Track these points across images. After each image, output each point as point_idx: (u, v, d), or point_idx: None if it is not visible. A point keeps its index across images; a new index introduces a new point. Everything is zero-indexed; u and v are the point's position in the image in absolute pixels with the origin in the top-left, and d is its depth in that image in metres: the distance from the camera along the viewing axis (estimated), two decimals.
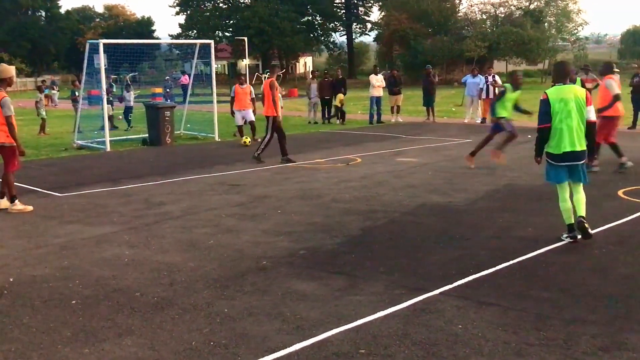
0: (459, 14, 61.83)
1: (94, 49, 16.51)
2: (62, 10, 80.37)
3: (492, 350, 4.39)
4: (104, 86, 16.72)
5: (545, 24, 58.26)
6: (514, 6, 59.53)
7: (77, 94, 20.90)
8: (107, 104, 21.95)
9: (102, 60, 15.97)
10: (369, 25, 71.35)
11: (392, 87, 22.55)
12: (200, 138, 18.79)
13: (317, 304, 5.30)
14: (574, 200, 6.93)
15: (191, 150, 16.27)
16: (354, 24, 71.14)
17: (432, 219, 8.30)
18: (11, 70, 9.37)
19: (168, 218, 8.57)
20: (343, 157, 13.91)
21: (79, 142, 17.03)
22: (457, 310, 5.10)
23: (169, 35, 68.87)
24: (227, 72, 61.32)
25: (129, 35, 66.24)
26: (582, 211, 6.88)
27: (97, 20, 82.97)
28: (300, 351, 4.41)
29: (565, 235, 7.01)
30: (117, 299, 5.52)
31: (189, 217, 8.61)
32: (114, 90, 24.40)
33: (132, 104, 22.11)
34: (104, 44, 16.19)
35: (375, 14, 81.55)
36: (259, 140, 14.67)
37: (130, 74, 38.26)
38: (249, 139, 16.08)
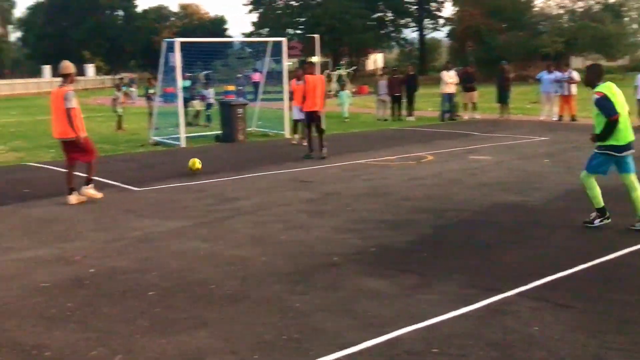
0: (535, 9, 60.18)
1: (170, 48, 16.93)
2: (139, 10, 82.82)
3: (569, 353, 4.27)
4: (180, 84, 17.11)
5: (626, 19, 55.99)
6: (593, 0, 57.47)
7: (152, 91, 21.50)
8: (191, 100, 22.57)
9: (177, 58, 16.36)
10: (441, 21, 70.39)
11: (467, 83, 22.18)
12: (271, 135, 19.00)
13: (388, 301, 5.27)
14: (633, 198, 7.26)
15: (262, 147, 16.47)
16: (426, 19, 70.33)
17: (506, 218, 8.13)
18: (72, 67, 9.70)
19: (240, 213, 8.70)
20: (414, 154, 13.77)
21: (155, 138, 17.51)
22: (533, 312, 4.98)
23: (242, 34, 69.93)
24: None
25: (203, 34, 67.41)
26: None
27: (172, 19, 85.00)
28: (372, 348, 4.40)
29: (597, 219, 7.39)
30: (193, 291, 5.65)
31: (260, 212, 8.73)
32: (198, 87, 24.92)
33: (212, 100, 22.58)
34: (180, 43, 16.57)
35: (448, 10, 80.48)
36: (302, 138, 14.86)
37: (204, 72, 39.10)
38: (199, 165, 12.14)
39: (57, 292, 5.67)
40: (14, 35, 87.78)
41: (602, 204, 7.37)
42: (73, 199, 9.45)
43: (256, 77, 34.61)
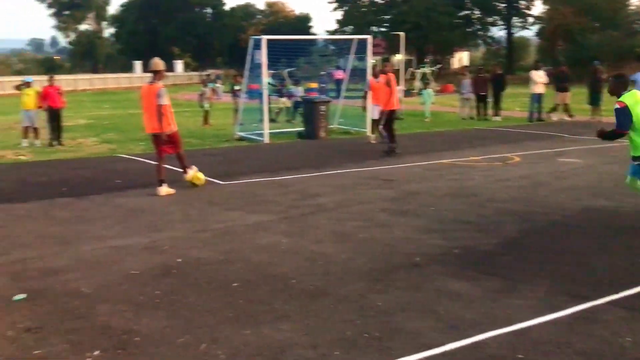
0: (631, 7, 57.60)
1: (257, 45, 17.20)
2: (227, 8, 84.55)
3: None
4: (265, 81, 17.36)
5: None
6: None
7: (237, 87, 21.92)
8: (280, 97, 22.91)
9: (264, 55, 16.61)
10: (530, 20, 68.39)
11: (560, 83, 21.41)
12: (352, 132, 19.00)
13: (472, 304, 5.18)
14: None
15: (344, 145, 16.50)
16: (514, 17, 68.50)
17: (597, 223, 7.82)
18: (162, 64, 10.02)
19: (322, 210, 8.75)
20: (500, 155, 13.46)
21: (240, 133, 17.86)
22: (625, 322, 4.77)
23: (326, 31, 70.22)
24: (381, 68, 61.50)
25: (288, 31, 68.09)
26: None
27: (259, 17, 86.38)
28: (455, 351, 4.34)
29: None
30: (275, 284, 5.73)
31: (342, 209, 8.75)
32: (287, 84, 25.21)
33: (299, 99, 22.81)
34: (266, 40, 16.80)
35: (538, 8, 78.13)
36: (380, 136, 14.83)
37: (287, 70, 39.53)
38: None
39: (146, 280, 5.88)
40: (108, 31, 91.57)
41: None
42: (162, 190, 9.77)
43: (339, 74, 34.70)
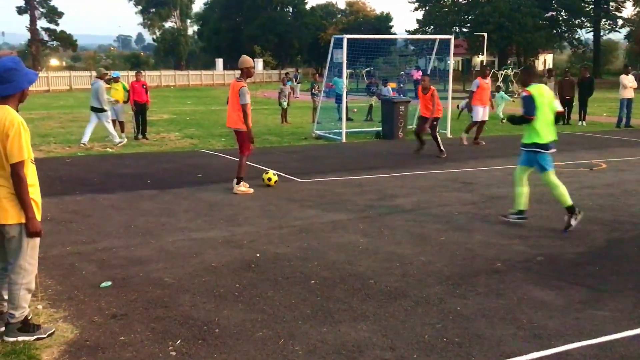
0: None
1: (338, 44, 17.24)
2: (308, 7, 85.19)
3: None
4: (345, 81, 17.38)
5: None
6: None
7: (316, 86, 22.05)
8: (370, 96, 22.95)
9: (344, 54, 16.64)
10: (619, 22, 65.78)
11: None
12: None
13: (556, 313, 5.01)
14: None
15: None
16: (603, 20, 66.03)
17: None
18: (250, 61, 9.94)
19: (400, 210, 8.68)
20: (585, 161, 12.99)
21: (318, 132, 17.95)
22: None
23: (406, 31, 69.68)
24: (460, 69, 60.54)
25: (367, 30, 68.26)
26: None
27: (339, 16, 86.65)
28: None
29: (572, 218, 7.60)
30: (352, 283, 5.72)
31: (420, 211, 8.65)
32: (377, 84, 25.20)
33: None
34: (347, 39, 16.82)
35: (628, 10, 75.06)
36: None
37: (366, 69, 39.42)
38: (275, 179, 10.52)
39: (226, 273, 5.98)
40: (191, 29, 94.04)
41: (570, 202, 7.67)
42: (238, 189, 9.85)
43: (418, 75, 34.39)
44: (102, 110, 15.46)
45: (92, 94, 15.52)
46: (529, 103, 7.65)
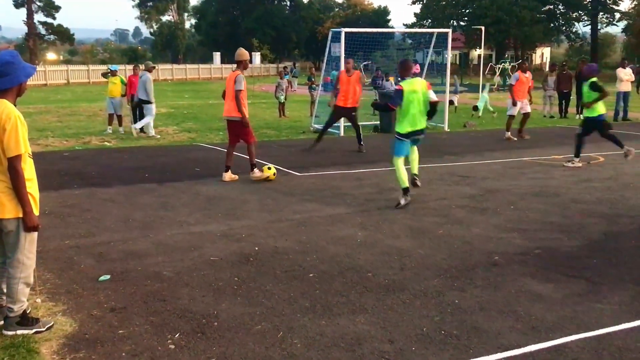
0: None
1: (336, 37, 17.21)
2: (305, 0, 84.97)
3: None
4: (335, 73, 17.33)
5: None
6: None
7: (314, 80, 22.03)
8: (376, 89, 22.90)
9: (342, 48, 16.61)
10: (617, 15, 65.72)
11: None
12: (429, 127, 18.71)
13: (553, 306, 5.02)
14: (410, 160, 8.86)
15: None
16: (600, 13, 65.95)
17: None
18: (247, 54, 10.29)
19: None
20: (583, 154, 12.98)
21: (316, 126, 17.93)
22: None
23: (404, 25, 69.56)
24: (458, 63, 60.41)
25: (365, 24, 68.06)
26: (415, 169, 8.98)
27: (336, 9, 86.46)
28: (535, 353, 4.22)
29: (402, 199, 8.55)
30: (351, 276, 5.73)
31: (418, 205, 8.65)
32: (382, 77, 25.14)
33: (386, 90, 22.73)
34: (345, 33, 16.79)
35: (626, 3, 75.04)
36: None
37: (364, 63, 39.33)
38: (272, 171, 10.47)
39: (225, 266, 5.99)
40: (189, 22, 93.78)
41: (406, 184, 8.60)
42: (227, 176, 10.18)
43: (416, 68, 34.37)
44: (149, 102, 15.85)
45: (140, 86, 15.94)
46: (397, 96, 8.44)
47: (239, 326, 4.65)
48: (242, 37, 70.81)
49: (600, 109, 11.38)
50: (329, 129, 14.60)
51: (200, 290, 5.39)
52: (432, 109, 8.73)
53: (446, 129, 18.03)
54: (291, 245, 6.69)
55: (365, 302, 5.11)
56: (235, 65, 10.23)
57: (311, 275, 5.77)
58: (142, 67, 17.03)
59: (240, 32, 75.50)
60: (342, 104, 13.60)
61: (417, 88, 8.46)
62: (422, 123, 8.66)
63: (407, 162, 8.77)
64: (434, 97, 8.73)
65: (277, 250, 6.51)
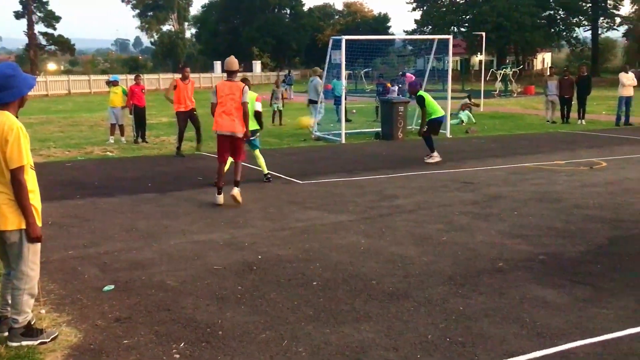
0: None
1: (336, 45, 17.24)
2: (305, 8, 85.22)
3: None
4: (344, 81, 17.38)
5: None
6: None
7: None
8: (378, 97, 22.92)
9: (343, 55, 16.64)
10: (617, 20, 65.75)
11: None
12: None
13: (558, 312, 5.01)
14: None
15: (421, 146, 16.23)
16: (601, 18, 65.99)
17: None
18: (236, 64, 9.16)
19: (401, 211, 8.68)
20: (586, 159, 13.01)
21: (317, 133, 17.95)
22: None
23: (404, 32, 69.66)
24: (459, 69, 60.47)
25: (365, 31, 68.19)
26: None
27: (337, 17, 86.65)
28: (540, 359, 4.21)
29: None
30: (355, 284, 5.72)
31: (421, 211, 8.65)
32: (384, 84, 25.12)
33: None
34: (345, 40, 16.82)
35: (626, 8, 75.16)
36: None
37: (364, 70, 39.35)
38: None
39: (229, 275, 5.98)
40: (189, 32, 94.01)
41: (266, 170, 10.77)
42: (220, 199, 9.19)
43: (409, 78, 34.31)
44: (316, 102, 17.94)
45: (311, 89, 18.39)
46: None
47: (243, 335, 4.65)
48: (242, 45, 70.98)
49: None
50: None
51: (204, 299, 5.38)
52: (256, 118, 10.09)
53: (448, 135, 18.03)
54: (294, 253, 6.68)
55: (369, 310, 5.10)
56: (225, 75, 9.32)
57: (315, 283, 5.76)
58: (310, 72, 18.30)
59: (241, 41, 75.68)
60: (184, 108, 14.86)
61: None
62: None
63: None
64: (258, 107, 10.07)
65: (280, 259, 6.51)
